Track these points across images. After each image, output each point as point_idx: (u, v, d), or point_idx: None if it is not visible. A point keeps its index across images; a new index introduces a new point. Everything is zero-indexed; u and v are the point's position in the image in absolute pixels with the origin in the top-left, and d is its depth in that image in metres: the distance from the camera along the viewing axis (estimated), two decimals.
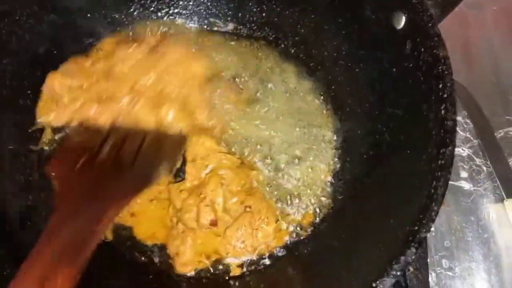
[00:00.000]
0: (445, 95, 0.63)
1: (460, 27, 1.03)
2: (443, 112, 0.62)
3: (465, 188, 0.90)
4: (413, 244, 0.56)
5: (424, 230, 0.57)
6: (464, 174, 0.91)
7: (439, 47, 0.66)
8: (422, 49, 0.68)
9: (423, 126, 0.66)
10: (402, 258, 0.55)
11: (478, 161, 0.92)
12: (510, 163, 0.91)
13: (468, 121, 0.95)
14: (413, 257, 0.56)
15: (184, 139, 0.81)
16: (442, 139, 0.61)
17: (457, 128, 0.93)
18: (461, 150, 0.92)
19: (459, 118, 0.95)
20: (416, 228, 0.57)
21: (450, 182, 0.90)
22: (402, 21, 0.72)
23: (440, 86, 0.64)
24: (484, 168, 0.91)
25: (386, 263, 0.55)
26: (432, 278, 0.82)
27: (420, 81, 0.68)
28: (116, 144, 0.75)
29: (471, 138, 0.93)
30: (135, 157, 0.74)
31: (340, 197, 0.81)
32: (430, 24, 0.67)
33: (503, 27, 1.05)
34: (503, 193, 0.88)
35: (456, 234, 0.86)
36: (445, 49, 0.66)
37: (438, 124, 0.63)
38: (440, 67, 0.65)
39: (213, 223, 0.77)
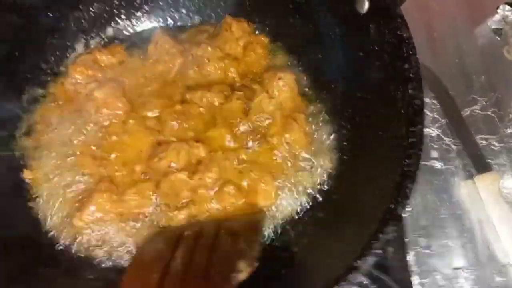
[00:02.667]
0: (411, 75, 0.64)
1: (421, 11, 1.06)
2: (410, 91, 0.64)
3: (436, 167, 0.92)
4: (390, 221, 0.57)
5: (400, 208, 0.57)
6: (434, 153, 0.93)
7: (402, 28, 0.67)
8: (386, 31, 0.69)
9: (392, 107, 0.67)
10: (381, 236, 0.56)
11: (447, 140, 0.94)
12: (477, 140, 0.94)
13: (435, 102, 0.97)
14: (391, 234, 0.57)
15: (262, 215, 0.73)
16: (411, 118, 0.62)
17: (425, 110, 0.96)
18: (431, 131, 0.95)
19: (426, 100, 0.97)
20: (393, 206, 0.58)
21: (422, 162, 0.92)
22: (366, 5, 0.73)
23: (406, 66, 0.65)
24: (454, 147, 0.93)
25: (366, 241, 0.56)
26: (410, 257, 0.84)
27: (387, 63, 0.70)
28: (189, 247, 0.62)
29: (439, 118, 0.96)
30: (209, 258, 0.62)
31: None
32: (392, 6, 0.68)
33: (463, 8, 1.08)
34: (472, 170, 0.91)
35: (431, 212, 0.88)
36: (408, 30, 0.67)
37: (406, 103, 0.64)
38: (404, 48, 0.66)
39: None
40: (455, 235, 0.87)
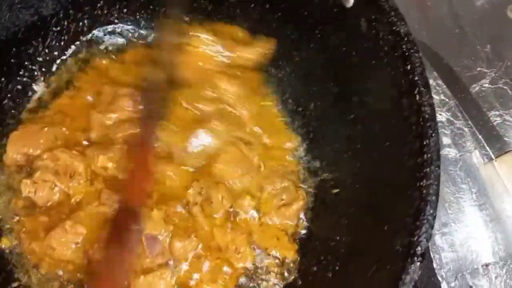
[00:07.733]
0: (416, 77, 0.56)
1: None
2: (417, 97, 0.55)
3: (450, 156, 0.84)
4: (415, 257, 0.50)
5: (424, 239, 0.50)
6: (446, 140, 0.85)
7: (398, 23, 0.58)
8: (380, 27, 0.60)
9: (398, 115, 0.59)
10: (408, 277, 0.49)
11: (458, 123, 0.86)
12: (491, 117, 0.86)
13: (440, 82, 0.88)
14: (419, 272, 0.50)
15: None
16: (423, 129, 0.54)
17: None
18: (439, 115, 0.86)
19: (430, 81, 0.87)
20: (416, 238, 0.50)
21: None
22: None
23: (408, 67, 0.57)
24: (466, 130, 0.85)
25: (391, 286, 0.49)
26: (436, 262, 0.77)
27: (384, 63, 0.61)
28: None
29: (447, 100, 0.87)
30: None
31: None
32: None
33: None
34: (490, 152, 0.83)
35: (452, 207, 0.81)
36: (405, 24, 0.58)
37: (415, 111, 0.55)
38: (403, 46, 0.57)
39: None
40: (481, 227, 0.80)
